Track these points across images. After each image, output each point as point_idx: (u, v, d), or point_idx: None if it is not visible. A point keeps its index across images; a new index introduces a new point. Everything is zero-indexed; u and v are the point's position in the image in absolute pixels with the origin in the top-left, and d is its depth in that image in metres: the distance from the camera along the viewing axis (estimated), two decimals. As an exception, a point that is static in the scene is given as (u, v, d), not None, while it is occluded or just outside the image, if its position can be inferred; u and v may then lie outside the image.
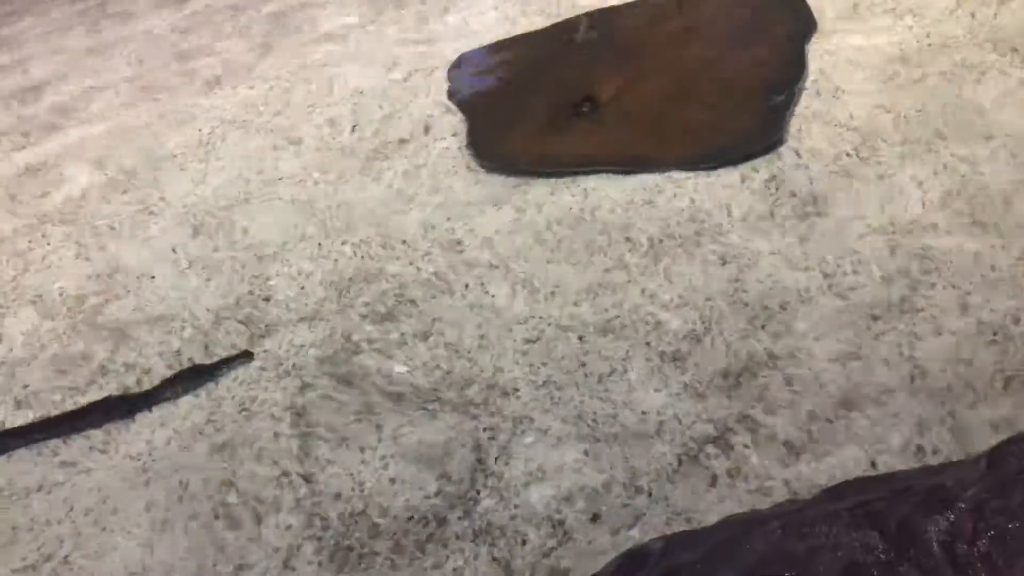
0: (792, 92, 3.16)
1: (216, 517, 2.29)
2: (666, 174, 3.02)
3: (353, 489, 2.26)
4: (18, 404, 2.76)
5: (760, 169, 2.94)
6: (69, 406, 2.71)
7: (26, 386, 2.83)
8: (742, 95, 3.19)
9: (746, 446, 2.11)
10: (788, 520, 1.47)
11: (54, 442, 2.60)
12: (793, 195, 2.81)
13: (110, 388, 2.74)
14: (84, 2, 6.13)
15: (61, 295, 3.21)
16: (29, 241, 3.57)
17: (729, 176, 2.95)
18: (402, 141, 3.62)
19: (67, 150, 4.32)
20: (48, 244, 3.53)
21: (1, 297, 3.27)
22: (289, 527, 2.22)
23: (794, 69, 3.28)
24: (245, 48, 5.03)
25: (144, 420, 2.63)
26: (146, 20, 5.89)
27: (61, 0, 6.27)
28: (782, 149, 3.00)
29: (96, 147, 4.27)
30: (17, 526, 2.39)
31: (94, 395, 2.72)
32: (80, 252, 3.44)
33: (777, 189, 2.85)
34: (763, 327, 2.40)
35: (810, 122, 3.09)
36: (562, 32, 3.97)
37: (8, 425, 2.69)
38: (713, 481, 2.05)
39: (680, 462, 2.10)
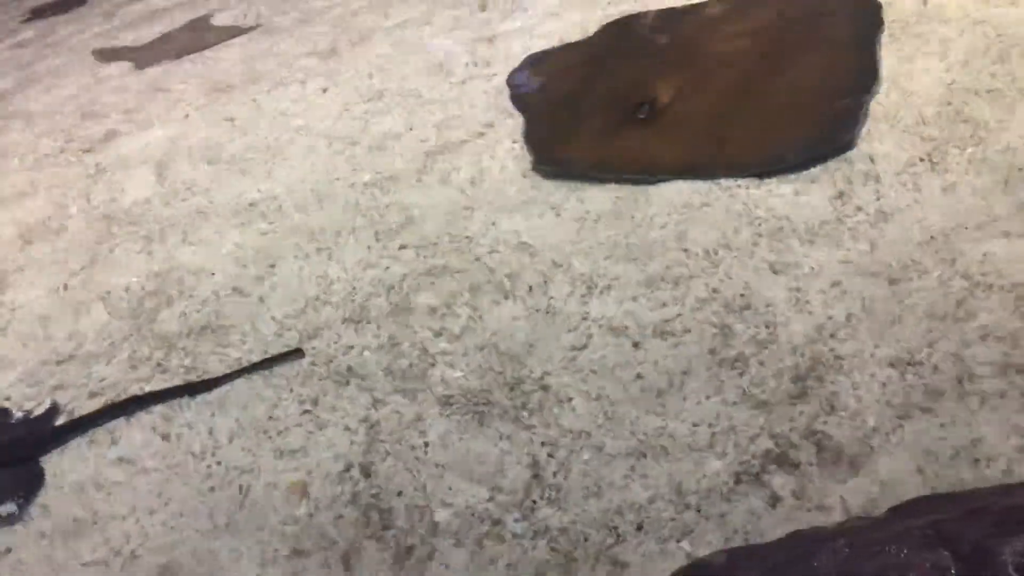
0: (862, 95, 3.06)
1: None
2: (727, 180, 2.96)
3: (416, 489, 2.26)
4: (92, 395, 2.83)
5: (827, 175, 2.87)
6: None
7: (102, 379, 2.89)
8: (809, 98, 3.10)
9: (811, 464, 2.04)
10: (856, 538, 1.42)
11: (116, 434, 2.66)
12: (859, 205, 2.73)
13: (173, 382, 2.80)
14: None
15: (128, 292, 3.27)
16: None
17: (794, 183, 2.88)
18: (461, 143, 3.63)
19: (133, 152, 4.42)
20: (116, 242, 3.62)
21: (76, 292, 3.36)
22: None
23: (864, 70, 3.18)
24: (307, 51, 5.10)
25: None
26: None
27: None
28: (850, 154, 2.91)
29: (160, 149, 4.36)
30: (79, 519, 2.43)
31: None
32: (144, 248, 3.50)
33: (842, 197, 2.77)
34: (831, 335, 2.33)
35: (879, 125, 3.00)
36: (624, 34, 3.94)
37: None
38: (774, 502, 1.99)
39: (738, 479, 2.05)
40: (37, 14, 7.60)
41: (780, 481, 1.98)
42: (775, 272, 2.57)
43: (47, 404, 2.84)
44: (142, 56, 5.83)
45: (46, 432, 2.70)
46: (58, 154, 4.62)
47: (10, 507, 2.47)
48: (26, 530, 2.43)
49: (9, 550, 2.38)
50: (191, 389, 2.72)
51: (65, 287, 3.43)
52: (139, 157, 4.33)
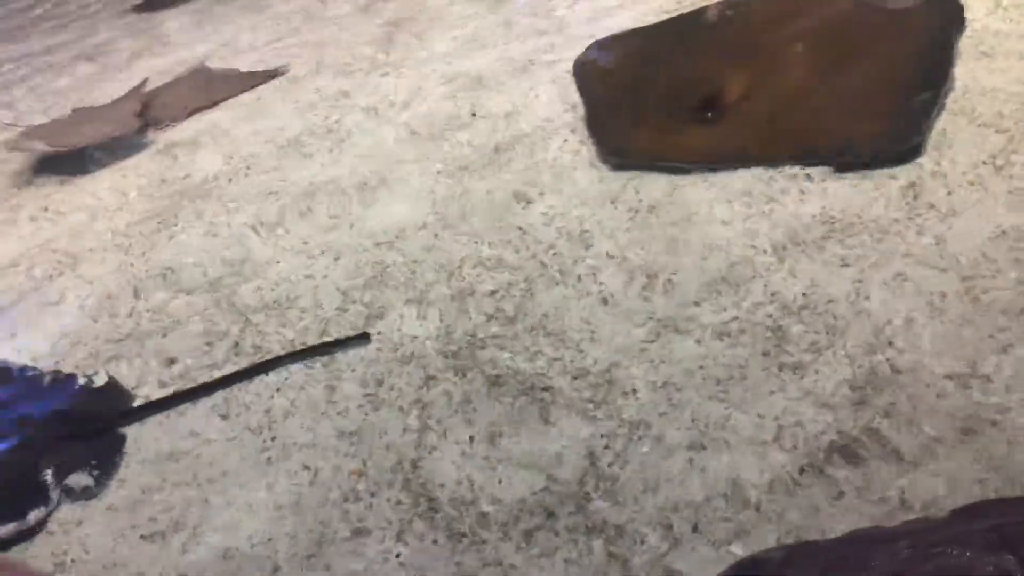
0: (936, 93, 2.98)
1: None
2: (793, 175, 2.93)
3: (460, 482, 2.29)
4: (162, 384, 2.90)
5: (897, 174, 2.81)
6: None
7: (172, 360, 2.97)
8: (881, 94, 3.04)
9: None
10: (917, 539, 1.41)
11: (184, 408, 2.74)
12: (931, 203, 2.68)
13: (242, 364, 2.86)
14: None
15: (202, 273, 3.36)
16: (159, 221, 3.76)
17: (863, 180, 2.83)
18: (524, 133, 3.63)
19: (201, 134, 4.52)
20: (183, 222, 3.71)
21: (139, 272, 3.46)
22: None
23: (939, 68, 3.09)
24: (370, 39, 5.16)
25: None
26: (278, 6, 6.11)
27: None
28: (921, 152, 2.86)
29: (228, 132, 4.44)
30: (148, 488, 2.51)
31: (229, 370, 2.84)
32: (210, 231, 3.59)
33: (915, 196, 2.72)
34: (890, 340, 2.30)
35: (955, 123, 2.94)
36: (691, 24, 3.90)
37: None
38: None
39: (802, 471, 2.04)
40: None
41: (843, 474, 1.98)
42: (844, 266, 2.55)
43: (106, 376, 2.92)
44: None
45: (125, 408, 2.78)
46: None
47: (87, 480, 2.53)
48: (98, 503, 2.50)
49: (80, 523, 2.45)
50: (257, 370, 2.78)
51: (132, 265, 3.53)
52: (207, 137, 4.44)
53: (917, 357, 2.22)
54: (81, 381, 2.89)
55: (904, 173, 2.81)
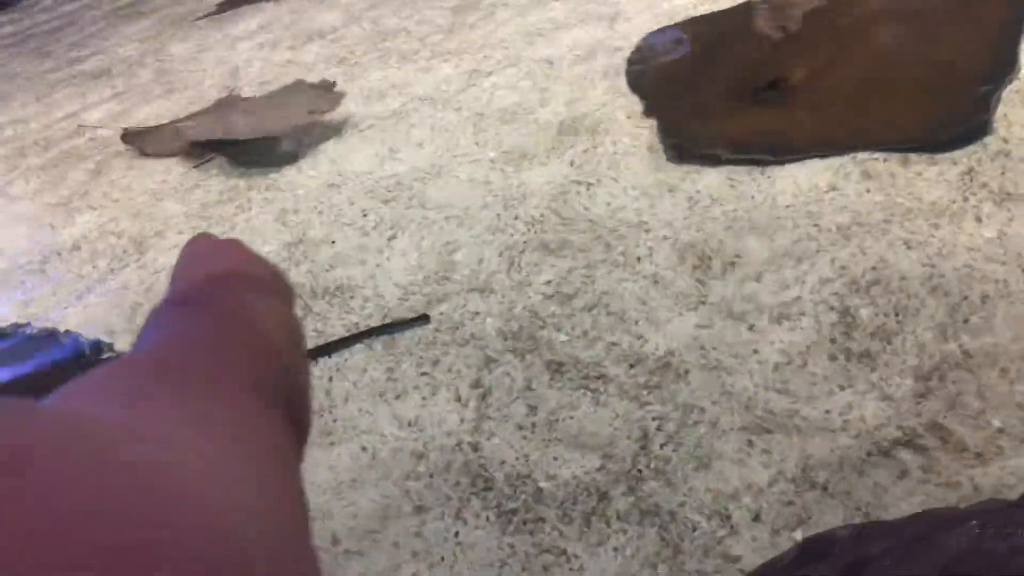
0: (1000, 80, 2.94)
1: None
2: (856, 161, 2.89)
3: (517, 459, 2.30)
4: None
5: (958, 160, 2.77)
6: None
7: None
8: (945, 81, 2.99)
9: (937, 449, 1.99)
10: (989, 519, 1.39)
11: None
12: (988, 186, 2.63)
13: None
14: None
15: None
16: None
17: (924, 166, 2.79)
18: (582, 119, 3.63)
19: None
20: (251, 210, 3.78)
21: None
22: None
23: (1005, 55, 3.04)
24: (432, 28, 5.18)
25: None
26: None
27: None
28: (985, 139, 2.81)
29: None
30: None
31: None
32: (279, 217, 3.65)
33: (973, 180, 2.68)
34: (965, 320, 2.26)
35: (1017, 110, 2.88)
36: (753, 11, 3.87)
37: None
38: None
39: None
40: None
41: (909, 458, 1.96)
42: (909, 248, 2.51)
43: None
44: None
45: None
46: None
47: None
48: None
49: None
50: (322, 351, 2.82)
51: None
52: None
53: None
54: None
55: (964, 157, 2.76)
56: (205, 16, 6.74)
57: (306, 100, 4.25)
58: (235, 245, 0.71)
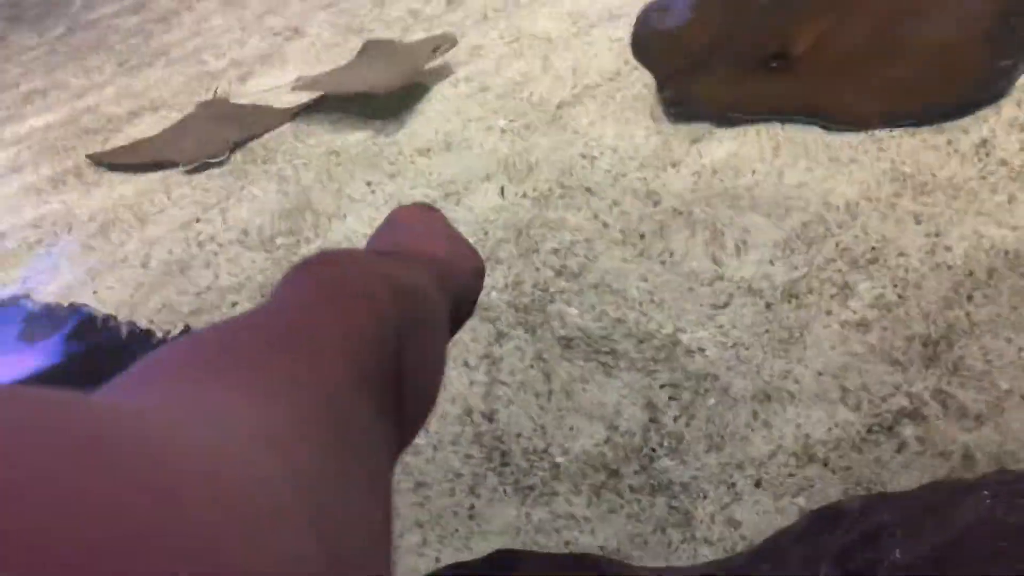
0: (1018, 49, 2.91)
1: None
2: (865, 131, 2.89)
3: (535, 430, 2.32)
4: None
5: (970, 130, 2.77)
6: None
7: (235, 305, 3.04)
8: (960, 49, 2.98)
9: (938, 417, 2.02)
10: (999, 490, 1.41)
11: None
12: (1004, 161, 2.63)
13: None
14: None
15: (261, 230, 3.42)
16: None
17: (935, 137, 2.79)
18: (588, 88, 3.62)
19: (269, 93, 4.56)
20: (251, 181, 3.77)
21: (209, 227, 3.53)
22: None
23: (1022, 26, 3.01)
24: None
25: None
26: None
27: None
28: (1001, 106, 2.80)
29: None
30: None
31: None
32: (280, 189, 3.64)
33: (988, 154, 2.68)
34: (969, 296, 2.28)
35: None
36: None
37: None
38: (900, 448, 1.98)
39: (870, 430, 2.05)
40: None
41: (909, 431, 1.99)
42: (917, 223, 2.52)
43: (180, 328, 3.02)
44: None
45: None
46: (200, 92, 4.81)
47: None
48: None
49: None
50: None
51: (198, 220, 3.60)
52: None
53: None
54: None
55: (977, 129, 2.76)
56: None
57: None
58: (443, 225, 0.68)
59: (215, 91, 4.56)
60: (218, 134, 4.01)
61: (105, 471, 0.25)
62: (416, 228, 0.68)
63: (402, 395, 0.47)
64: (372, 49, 4.40)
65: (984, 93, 2.82)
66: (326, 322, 0.45)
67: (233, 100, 4.45)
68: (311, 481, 0.33)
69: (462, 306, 0.64)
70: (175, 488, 0.26)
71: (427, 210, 0.72)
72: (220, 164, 3.86)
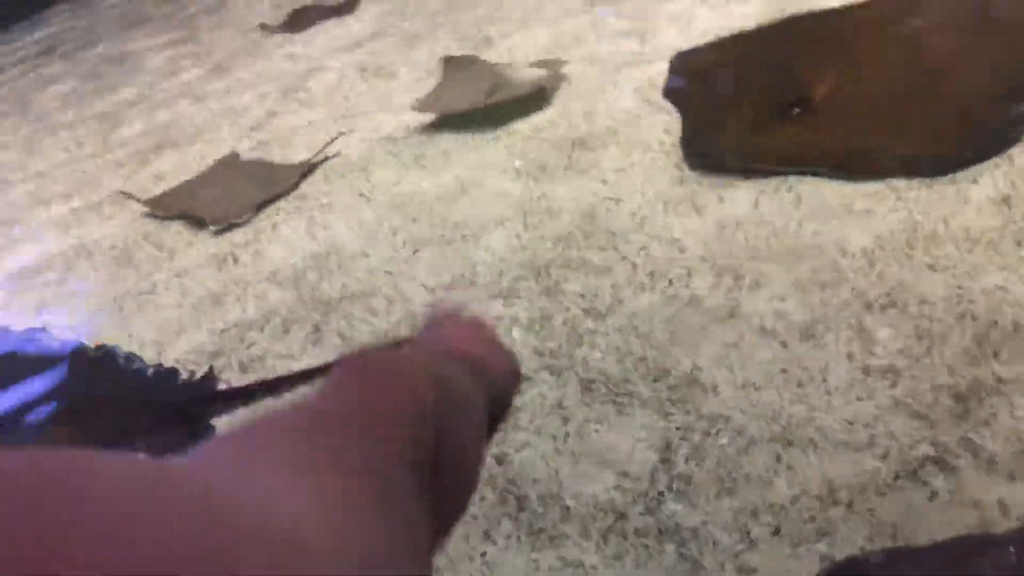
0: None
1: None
2: (883, 180, 2.87)
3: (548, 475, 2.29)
4: (243, 368, 2.98)
5: (982, 180, 2.75)
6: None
7: (250, 344, 3.04)
8: (975, 100, 2.98)
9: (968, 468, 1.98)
10: (1025, 546, 1.38)
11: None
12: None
13: (324, 356, 2.90)
14: None
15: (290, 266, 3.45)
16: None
17: (953, 186, 2.77)
18: (611, 134, 3.64)
19: (295, 131, 4.62)
20: (280, 218, 3.81)
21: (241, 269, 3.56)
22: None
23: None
24: (459, 36, 5.20)
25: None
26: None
27: None
28: (1013, 156, 2.79)
29: (318, 132, 4.53)
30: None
31: (310, 361, 2.89)
32: (307, 230, 3.67)
33: (1009, 205, 2.65)
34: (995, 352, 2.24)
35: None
36: (783, 29, 3.88)
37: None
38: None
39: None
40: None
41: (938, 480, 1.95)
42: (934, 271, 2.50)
43: (205, 368, 3.01)
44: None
45: (214, 395, 2.89)
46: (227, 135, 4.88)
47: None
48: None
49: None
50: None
51: (235, 259, 3.62)
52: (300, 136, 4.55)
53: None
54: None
55: (996, 179, 2.75)
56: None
57: None
58: (484, 329, 0.72)
59: (232, 151, 4.54)
60: (243, 193, 3.99)
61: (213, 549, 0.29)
62: (458, 330, 0.71)
63: (440, 486, 0.50)
64: (454, 66, 4.50)
65: (999, 142, 2.81)
66: (379, 411, 0.48)
67: (247, 157, 4.47)
68: (372, 556, 0.37)
69: (499, 405, 0.67)
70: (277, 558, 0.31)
71: (470, 316, 0.76)
72: (245, 224, 3.85)
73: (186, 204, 4.07)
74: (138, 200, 4.23)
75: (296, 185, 4.00)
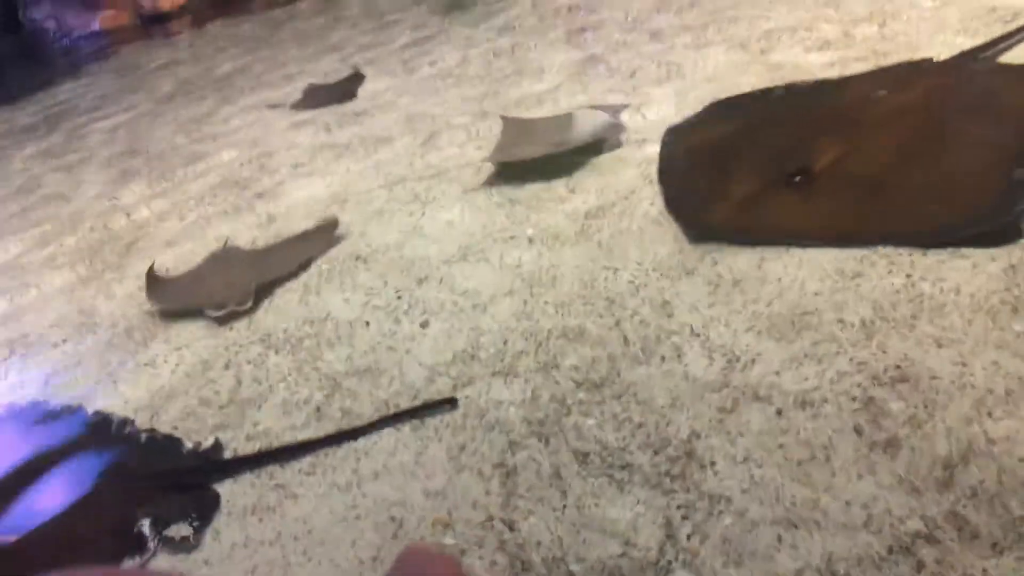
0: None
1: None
2: (883, 251, 2.90)
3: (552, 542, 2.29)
4: (248, 438, 2.99)
5: (996, 254, 2.76)
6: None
7: (255, 423, 3.05)
8: (977, 171, 2.99)
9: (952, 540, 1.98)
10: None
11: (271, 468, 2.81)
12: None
13: (326, 428, 2.91)
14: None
15: (286, 334, 3.47)
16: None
17: (959, 259, 2.78)
18: (610, 204, 3.69)
19: (295, 205, 4.69)
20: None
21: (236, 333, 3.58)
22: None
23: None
24: (460, 111, 5.31)
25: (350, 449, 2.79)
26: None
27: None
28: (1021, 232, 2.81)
29: (310, 204, 4.59)
30: (235, 543, 2.57)
31: (311, 433, 2.91)
32: (301, 299, 3.71)
33: (1018, 278, 2.66)
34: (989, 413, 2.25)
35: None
36: (779, 100, 3.95)
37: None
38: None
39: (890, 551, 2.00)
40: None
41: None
42: (940, 346, 2.50)
43: (211, 439, 3.01)
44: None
45: (219, 463, 2.89)
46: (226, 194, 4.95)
47: (185, 530, 2.60)
48: (197, 554, 2.56)
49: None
50: (349, 435, 2.84)
51: (230, 328, 3.66)
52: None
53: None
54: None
55: (1004, 252, 2.76)
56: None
57: None
58: (449, 563, 0.74)
59: (225, 242, 4.44)
60: (240, 278, 3.91)
61: None
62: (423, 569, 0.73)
63: None
64: (512, 126, 4.59)
65: (1000, 215, 2.83)
66: None
67: (246, 247, 4.38)
68: None
69: None
70: None
71: (437, 552, 0.78)
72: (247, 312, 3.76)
73: (187, 298, 3.97)
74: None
75: (296, 273, 3.92)
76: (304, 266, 3.96)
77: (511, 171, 4.18)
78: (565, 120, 4.36)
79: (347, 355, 3.24)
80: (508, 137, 4.49)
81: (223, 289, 3.84)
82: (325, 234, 4.16)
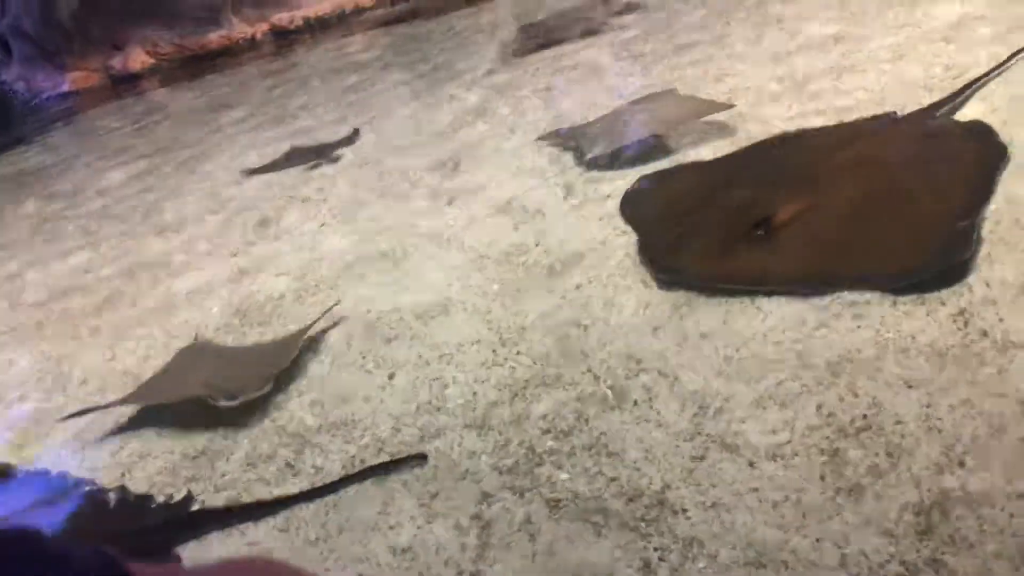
0: (977, 219, 3.05)
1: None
2: (843, 299, 2.95)
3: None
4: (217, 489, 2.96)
5: (946, 300, 2.83)
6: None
7: (224, 475, 3.02)
8: (927, 220, 3.11)
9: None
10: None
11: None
12: (984, 332, 2.67)
13: (299, 485, 2.89)
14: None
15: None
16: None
17: (911, 305, 2.85)
18: (578, 258, 3.75)
19: (267, 260, 4.69)
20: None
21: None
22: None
23: (980, 197, 3.18)
24: (430, 165, 5.35)
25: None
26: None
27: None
28: (970, 280, 2.89)
29: (287, 264, 4.59)
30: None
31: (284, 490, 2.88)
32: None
33: (966, 323, 2.72)
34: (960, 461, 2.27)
35: (1001, 252, 2.96)
36: (742, 157, 4.04)
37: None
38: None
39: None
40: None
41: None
42: (909, 387, 2.54)
43: (183, 492, 2.98)
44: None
45: (183, 521, 2.84)
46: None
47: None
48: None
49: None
50: (318, 492, 2.82)
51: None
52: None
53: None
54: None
55: (952, 298, 2.83)
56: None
57: None
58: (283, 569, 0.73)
59: (195, 336, 4.08)
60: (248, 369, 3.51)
61: None
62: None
63: None
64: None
65: (948, 257, 2.93)
66: None
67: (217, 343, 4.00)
68: None
69: None
70: None
71: (268, 563, 0.78)
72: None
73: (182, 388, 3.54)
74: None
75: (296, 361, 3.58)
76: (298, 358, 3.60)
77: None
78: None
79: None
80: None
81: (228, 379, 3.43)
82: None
